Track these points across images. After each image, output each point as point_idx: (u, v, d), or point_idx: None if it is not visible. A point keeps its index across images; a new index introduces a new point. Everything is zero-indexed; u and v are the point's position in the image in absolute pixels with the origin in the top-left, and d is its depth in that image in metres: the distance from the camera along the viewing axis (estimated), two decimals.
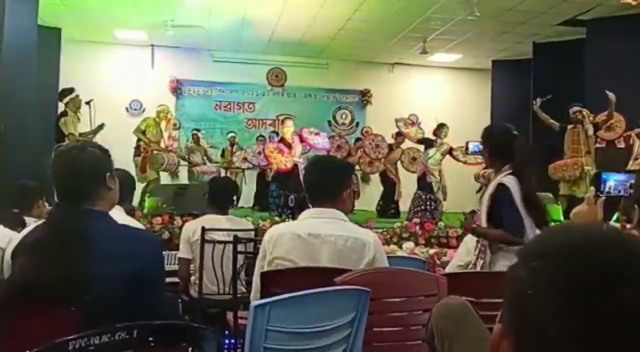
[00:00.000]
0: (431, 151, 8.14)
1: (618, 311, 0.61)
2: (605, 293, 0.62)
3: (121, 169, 4.41)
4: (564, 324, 0.63)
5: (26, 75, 7.23)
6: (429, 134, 8.69)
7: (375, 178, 9.81)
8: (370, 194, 9.77)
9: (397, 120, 8.67)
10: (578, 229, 0.74)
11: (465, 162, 8.53)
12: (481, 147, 3.06)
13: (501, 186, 2.78)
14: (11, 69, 6.30)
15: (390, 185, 9.14)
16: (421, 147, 8.72)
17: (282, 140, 8.56)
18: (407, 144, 9.21)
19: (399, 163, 9.22)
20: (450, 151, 8.27)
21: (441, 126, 8.29)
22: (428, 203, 7.98)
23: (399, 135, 9.15)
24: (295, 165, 8.09)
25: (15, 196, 3.86)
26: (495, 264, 2.77)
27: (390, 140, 9.28)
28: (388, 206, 9.05)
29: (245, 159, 9.65)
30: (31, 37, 7.60)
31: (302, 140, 8.62)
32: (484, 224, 2.84)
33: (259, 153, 9.09)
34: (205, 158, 9.65)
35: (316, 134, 8.85)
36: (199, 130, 10.11)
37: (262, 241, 2.39)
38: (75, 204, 1.70)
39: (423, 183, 8.18)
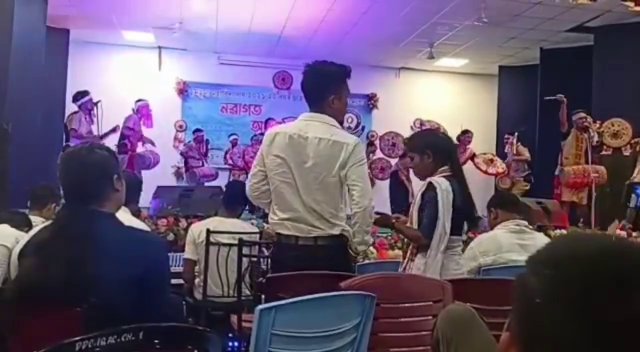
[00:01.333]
0: None
1: (628, 319, 0.61)
2: (615, 302, 0.62)
3: (127, 171, 4.44)
4: (574, 332, 0.63)
5: (34, 76, 7.27)
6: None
7: (384, 185, 9.68)
8: (382, 200, 9.67)
9: (421, 124, 8.68)
10: (587, 238, 0.74)
11: (485, 171, 8.53)
12: (416, 157, 2.93)
13: (430, 185, 2.76)
14: (19, 69, 6.34)
15: (399, 187, 9.04)
16: None
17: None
18: None
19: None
20: (472, 158, 8.28)
21: (465, 132, 8.34)
22: None
23: None
24: None
25: (30, 195, 3.88)
26: (414, 260, 2.78)
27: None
28: (399, 208, 8.97)
29: (230, 158, 9.55)
30: (39, 38, 7.65)
31: None
32: (415, 222, 2.82)
33: (239, 156, 8.97)
34: (202, 159, 9.54)
35: None
36: (201, 131, 10.03)
37: (263, 139, 2.75)
38: (83, 205, 1.71)
39: None
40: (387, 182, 9.54)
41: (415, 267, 2.73)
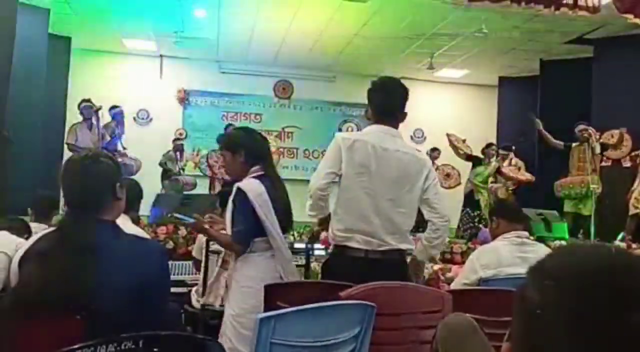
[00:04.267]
0: (479, 169, 8.20)
1: (627, 332, 0.62)
2: (614, 315, 0.62)
3: (128, 178, 4.46)
4: (573, 344, 0.63)
5: (36, 83, 7.31)
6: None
7: None
8: None
9: (449, 135, 8.73)
10: (588, 250, 0.74)
11: (512, 178, 8.55)
12: (225, 154, 2.88)
13: (238, 190, 2.68)
14: (22, 76, 6.37)
15: None
16: (458, 164, 8.81)
17: None
18: (441, 160, 9.32)
19: None
20: (498, 170, 8.30)
21: (489, 145, 8.39)
22: (476, 220, 7.99)
23: (434, 150, 9.24)
24: None
25: (34, 207, 3.88)
26: (237, 270, 2.70)
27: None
28: (422, 221, 8.96)
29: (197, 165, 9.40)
30: (41, 46, 7.69)
31: None
32: (229, 229, 2.71)
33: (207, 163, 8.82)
34: (180, 169, 9.42)
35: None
36: (180, 139, 9.82)
37: (335, 141, 2.69)
38: (86, 214, 1.71)
39: (470, 200, 8.22)
40: None
41: (236, 272, 2.69)
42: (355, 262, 2.56)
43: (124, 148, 8.54)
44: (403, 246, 2.62)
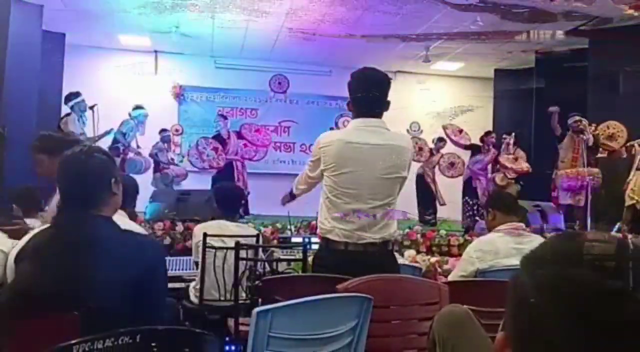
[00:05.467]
0: (478, 157, 8.23)
1: (621, 319, 0.62)
2: (608, 302, 0.62)
3: (124, 174, 4.45)
4: (567, 332, 0.63)
5: (30, 80, 7.28)
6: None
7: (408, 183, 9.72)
8: (406, 200, 9.64)
9: (445, 127, 8.75)
10: (581, 238, 0.74)
11: (510, 168, 8.56)
12: (41, 158, 2.78)
13: None
14: (15, 73, 6.34)
15: (425, 189, 9.09)
16: (462, 153, 8.83)
17: (217, 137, 8.40)
18: (446, 149, 9.35)
19: (436, 168, 9.28)
20: (496, 158, 8.33)
21: (488, 133, 8.41)
22: (475, 209, 8.01)
23: (440, 140, 9.26)
24: (230, 163, 7.93)
25: (20, 201, 3.86)
26: None
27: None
28: (427, 210, 9.01)
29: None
30: (35, 42, 7.66)
31: (240, 136, 8.49)
32: None
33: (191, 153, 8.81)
34: (170, 159, 9.41)
35: (256, 130, 8.83)
36: (167, 131, 9.71)
37: (315, 146, 2.69)
38: (82, 210, 1.70)
39: (469, 189, 8.26)
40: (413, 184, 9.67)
41: None
42: (336, 255, 2.58)
43: (138, 146, 8.59)
44: (386, 235, 2.61)
